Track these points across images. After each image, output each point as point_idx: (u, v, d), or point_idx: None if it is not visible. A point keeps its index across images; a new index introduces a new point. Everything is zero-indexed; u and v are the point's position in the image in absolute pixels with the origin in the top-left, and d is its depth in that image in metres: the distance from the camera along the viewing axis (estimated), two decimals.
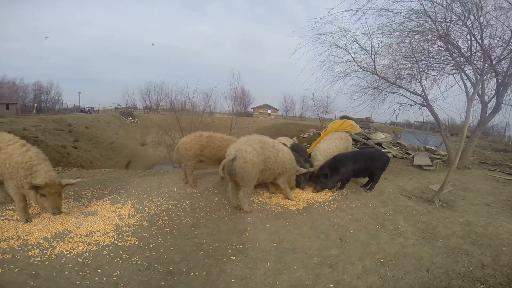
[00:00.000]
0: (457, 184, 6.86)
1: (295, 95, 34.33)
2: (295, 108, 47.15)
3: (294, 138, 21.47)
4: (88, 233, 3.70)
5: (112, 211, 4.46)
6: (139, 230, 3.88)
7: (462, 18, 5.94)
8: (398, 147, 11.36)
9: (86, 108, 39.08)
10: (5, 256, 3.04)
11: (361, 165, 5.61)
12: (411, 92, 9.78)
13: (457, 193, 6.07)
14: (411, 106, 10.25)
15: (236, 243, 3.68)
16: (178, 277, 3.00)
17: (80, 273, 2.92)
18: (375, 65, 9.46)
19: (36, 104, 33.27)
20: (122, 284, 2.80)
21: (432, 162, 8.95)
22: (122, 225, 4.00)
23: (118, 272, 2.96)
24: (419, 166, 8.60)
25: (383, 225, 4.23)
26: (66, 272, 2.91)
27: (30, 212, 4.09)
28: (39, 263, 3.01)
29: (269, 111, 47.34)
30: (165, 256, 3.32)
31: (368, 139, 11.98)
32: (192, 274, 3.08)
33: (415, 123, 23.65)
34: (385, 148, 10.69)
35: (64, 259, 3.12)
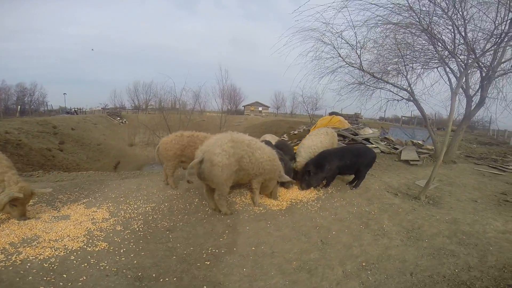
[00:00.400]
0: (443, 179, 6.85)
1: (286, 92, 34.29)
2: (286, 105, 47.16)
3: (284, 135, 21.40)
4: (57, 238, 3.58)
5: (86, 215, 4.28)
6: (111, 235, 3.71)
7: (446, 11, 5.89)
8: (385, 142, 11.38)
9: (73, 109, 38.03)
10: None
11: (347, 161, 5.50)
12: (397, 87, 9.78)
13: (444, 189, 6.05)
14: (398, 101, 10.28)
15: (212, 247, 3.49)
16: (146, 283, 2.85)
17: (45, 278, 2.83)
18: (361, 61, 9.41)
19: (19, 106, 32.13)
20: None
21: (419, 156, 8.96)
22: (94, 229, 3.84)
23: (84, 278, 2.86)
24: (406, 161, 8.59)
25: (367, 225, 4.12)
26: (30, 277, 2.83)
27: None
28: (3, 268, 2.92)
29: (260, 108, 47.13)
30: (135, 262, 3.16)
31: (356, 134, 11.98)
32: (161, 280, 2.93)
33: (403, 118, 23.89)
34: (372, 144, 10.69)
35: (29, 264, 3.03)
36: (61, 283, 2.76)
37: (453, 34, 6.04)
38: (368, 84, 10.50)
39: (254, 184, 4.60)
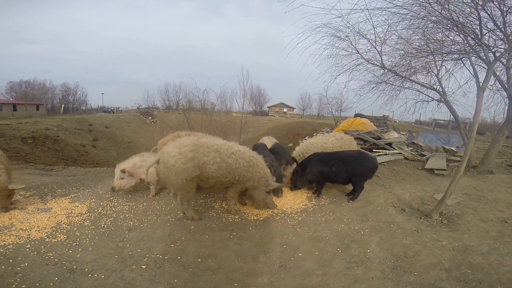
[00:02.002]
0: (471, 192, 5.82)
1: (312, 93, 33.16)
2: (312, 106, 45.74)
3: (306, 138, 20.57)
4: (27, 228, 3.70)
5: (66, 209, 4.36)
6: (75, 229, 3.71)
7: None
8: (412, 148, 10.23)
9: (110, 109, 40.97)
10: None
11: (333, 168, 4.91)
12: (425, 86, 8.71)
13: (468, 205, 5.09)
14: (428, 102, 9.16)
15: (158, 252, 3.22)
16: (75, 276, 2.82)
17: None
18: (381, 58, 8.54)
19: (63, 105, 35.54)
20: (20, 274, 2.77)
21: (448, 165, 7.82)
22: (64, 222, 3.88)
23: (26, 264, 2.94)
24: (431, 170, 7.54)
25: (347, 248, 3.47)
26: None
27: None
28: None
29: (285, 109, 46.45)
30: (78, 256, 3.14)
31: (379, 138, 10.99)
32: (90, 275, 2.84)
33: (435, 121, 21.51)
34: (394, 149, 9.67)
35: None
36: (3, 267, 2.86)
37: (482, 22, 5.05)
38: (391, 83, 9.51)
39: (230, 192, 4.22)
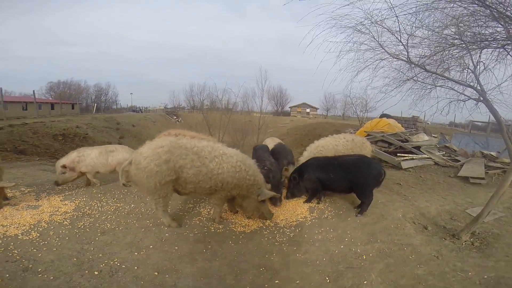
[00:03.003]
0: None
1: (336, 93, 31.44)
2: (337, 107, 43.87)
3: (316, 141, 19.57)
4: (8, 224, 3.67)
5: (53, 207, 4.29)
6: (52, 228, 3.60)
7: None
8: (444, 152, 9.06)
9: (138, 108, 42.89)
10: None
11: (330, 175, 4.29)
12: (460, 83, 7.61)
13: (510, 222, 4.16)
14: (464, 102, 8.02)
15: (118, 259, 2.93)
16: (26, 274, 2.71)
17: None
18: (408, 52, 7.62)
19: (95, 104, 37.87)
20: None
21: (486, 173, 6.71)
22: (45, 221, 3.79)
23: None
24: (466, 179, 6.50)
25: (339, 277, 2.82)
26: None
27: None
28: None
29: (307, 110, 45.14)
30: (40, 255, 3.02)
31: (407, 141, 9.93)
32: (41, 275, 2.71)
33: (472, 122, 19.16)
34: (423, 153, 8.60)
35: None
36: None
37: None
38: (420, 80, 8.51)
39: (214, 199, 3.79)
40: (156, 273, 2.76)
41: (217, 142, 4.65)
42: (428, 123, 18.62)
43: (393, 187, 5.80)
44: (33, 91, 24.04)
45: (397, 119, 15.12)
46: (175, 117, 39.21)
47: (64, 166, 4.93)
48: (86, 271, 2.74)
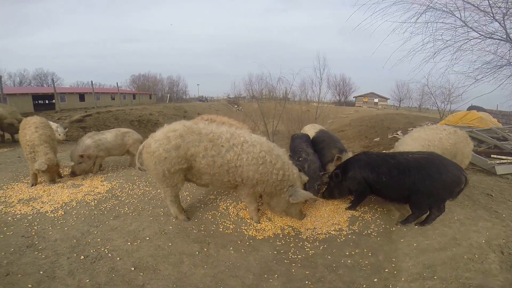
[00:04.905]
0: None
1: (410, 81, 26.42)
2: (412, 97, 37.63)
3: (399, 132, 17.01)
4: (46, 201, 3.89)
5: (92, 187, 4.53)
6: (78, 207, 3.73)
7: None
8: None
9: (205, 98, 46.10)
10: None
11: (381, 177, 3.24)
12: None
13: None
14: None
15: (109, 247, 2.76)
16: (26, 250, 2.74)
17: None
18: (506, 29, 5.63)
19: (169, 95, 42.06)
20: None
21: None
22: (77, 200, 3.96)
23: (8, 232, 3.05)
24: None
25: None
26: None
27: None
28: None
29: (376, 100, 40.07)
30: (50, 233, 3.07)
31: (505, 140, 7.60)
32: (37, 253, 2.74)
33: None
34: None
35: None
36: None
37: None
38: None
39: (241, 196, 3.33)
40: (133, 269, 2.51)
41: (243, 129, 4.15)
42: None
43: (480, 198, 4.27)
44: (117, 83, 27.98)
45: (491, 113, 11.87)
46: (236, 106, 40.68)
47: (81, 156, 4.95)
48: (75, 254, 2.69)
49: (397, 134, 15.57)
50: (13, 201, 3.86)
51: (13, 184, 4.53)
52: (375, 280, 2.46)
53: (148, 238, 2.95)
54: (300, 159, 3.92)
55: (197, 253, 2.72)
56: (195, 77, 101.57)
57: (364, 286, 2.38)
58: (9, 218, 3.34)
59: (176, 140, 2.96)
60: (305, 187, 3.62)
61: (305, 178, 3.43)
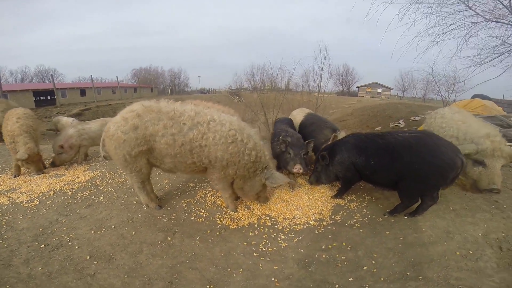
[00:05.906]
0: None
1: (414, 70, 25.56)
2: (416, 87, 36.83)
3: (401, 121, 16.59)
4: (24, 191, 3.81)
5: (73, 176, 4.44)
6: (54, 197, 3.64)
7: None
8: None
9: (206, 90, 45.97)
10: None
11: (369, 160, 2.96)
12: None
13: None
14: None
15: (73, 235, 2.69)
16: None
17: None
18: None
19: (170, 87, 41.91)
20: None
21: None
22: (55, 190, 3.86)
23: None
24: None
25: None
26: None
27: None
28: None
29: (379, 89, 39.29)
30: (19, 222, 2.99)
31: (510, 127, 7.27)
32: (0, 241, 2.68)
33: None
34: None
35: None
36: None
37: None
38: None
39: (212, 182, 3.09)
40: (88, 257, 2.38)
41: (220, 110, 3.94)
42: None
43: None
44: (116, 77, 27.93)
45: (497, 102, 11.41)
46: (237, 97, 40.44)
47: (61, 146, 4.83)
48: (36, 243, 2.59)
49: (399, 123, 15.21)
50: None
51: None
52: (350, 279, 2.21)
53: (113, 227, 2.82)
54: (280, 137, 3.73)
55: (159, 242, 2.55)
56: (197, 69, 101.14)
57: (337, 286, 2.15)
58: None
59: (134, 120, 2.75)
60: (290, 155, 3.50)
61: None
